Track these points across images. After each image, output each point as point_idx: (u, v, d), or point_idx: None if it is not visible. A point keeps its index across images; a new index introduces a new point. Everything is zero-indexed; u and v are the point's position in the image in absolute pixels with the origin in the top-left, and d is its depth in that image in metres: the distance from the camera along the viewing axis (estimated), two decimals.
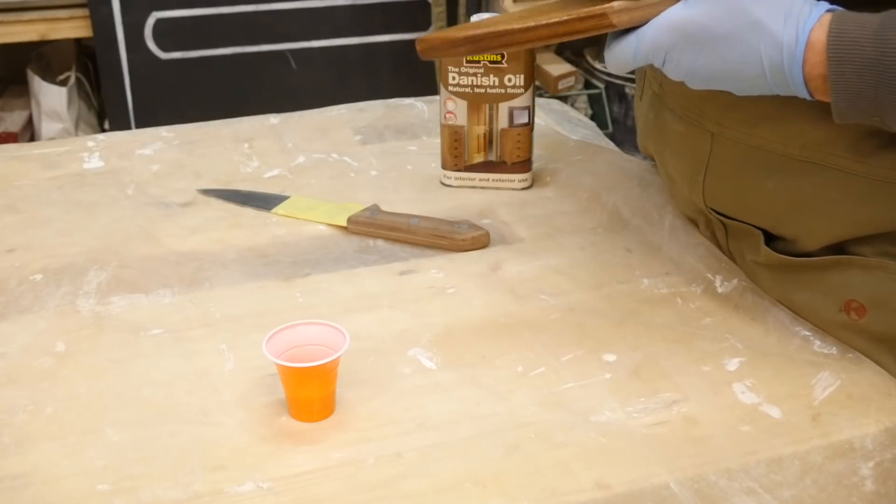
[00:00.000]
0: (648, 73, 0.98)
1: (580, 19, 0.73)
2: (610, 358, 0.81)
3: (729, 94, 0.81)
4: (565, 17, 0.74)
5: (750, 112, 0.81)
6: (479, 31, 0.77)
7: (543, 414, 0.74)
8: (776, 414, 0.74)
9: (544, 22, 0.75)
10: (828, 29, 0.67)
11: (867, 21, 0.66)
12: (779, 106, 0.78)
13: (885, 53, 0.65)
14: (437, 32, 0.80)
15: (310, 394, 0.73)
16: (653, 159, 1.05)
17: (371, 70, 2.44)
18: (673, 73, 0.73)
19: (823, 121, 0.76)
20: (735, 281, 0.89)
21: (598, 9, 0.72)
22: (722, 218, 0.90)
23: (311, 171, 1.16)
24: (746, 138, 0.83)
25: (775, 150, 0.81)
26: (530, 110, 1.09)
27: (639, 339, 0.83)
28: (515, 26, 0.75)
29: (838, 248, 0.81)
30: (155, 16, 2.25)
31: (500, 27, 0.76)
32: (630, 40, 0.73)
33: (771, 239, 0.86)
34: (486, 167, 1.11)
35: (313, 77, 2.40)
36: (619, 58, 0.74)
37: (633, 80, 1.85)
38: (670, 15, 0.71)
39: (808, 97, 0.70)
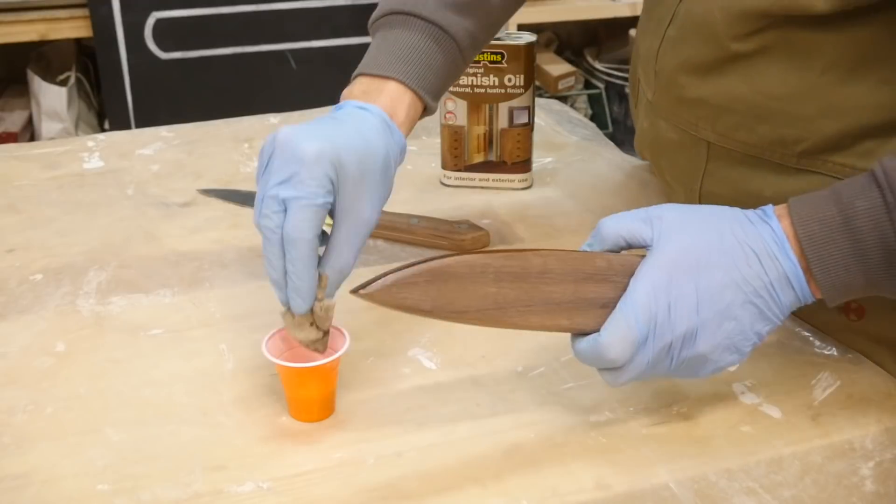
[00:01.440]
0: (642, 81, 0.98)
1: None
2: None
3: (723, 101, 0.80)
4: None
5: (746, 120, 0.81)
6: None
7: (543, 414, 0.74)
8: (776, 414, 0.74)
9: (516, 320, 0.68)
10: (794, 232, 0.66)
11: (826, 215, 0.65)
12: (775, 114, 0.78)
13: (861, 241, 0.64)
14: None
15: (310, 394, 0.73)
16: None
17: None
18: (685, 318, 0.65)
19: (820, 129, 0.76)
20: None
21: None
22: None
23: None
24: (743, 147, 0.83)
25: (772, 158, 0.81)
26: (530, 110, 1.09)
27: None
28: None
29: None
30: (155, 16, 2.25)
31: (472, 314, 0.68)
32: (619, 315, 0.65)
33: None
34: (486, 167, 1.11)
35: (313, 77, 2.40)
36: (623, 338, 0.65)
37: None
38: (647, 268, 0.66)
39: (809, 295, 0.67)
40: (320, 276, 0.72)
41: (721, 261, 0.66)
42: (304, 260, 0.70)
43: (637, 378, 0.67)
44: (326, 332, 0.73)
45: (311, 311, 0.72)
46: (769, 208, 0.68)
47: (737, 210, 0.69)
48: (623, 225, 0.68)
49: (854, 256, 0.65)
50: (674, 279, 0.65)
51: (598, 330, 0.66)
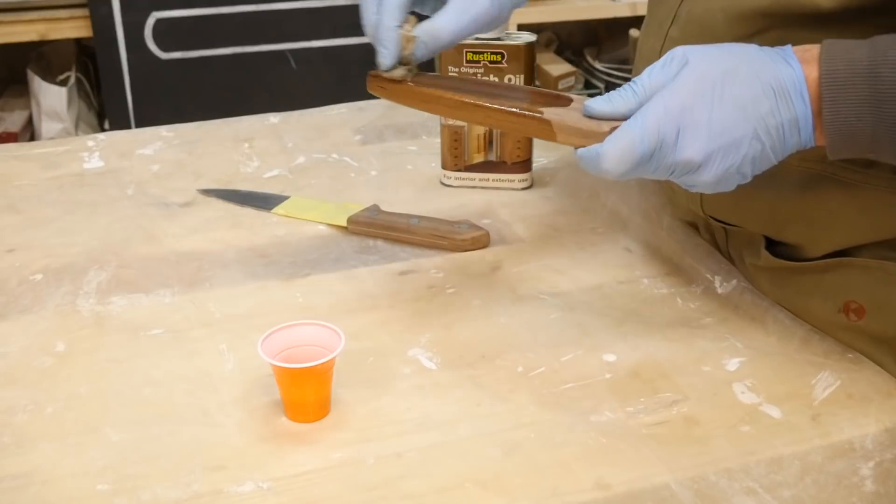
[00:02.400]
0: None
1: (524, 117, 0.73)
2: (610, 358, 0.81)
3: None
4: (514, 111, 0.73)
5: None
6: (434, 92, 0.77)
7: (543, 414, 0.74)
8: (776, 414, 0.74)
9: (496, 106, 0.74)
10: (818, 68, 0.66)
11: (856, 56, 0.65)
12: None
13: (880, 91, 0.64)
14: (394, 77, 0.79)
15: (305, 394, 0.73)
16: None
17: (371, 70, 2.43)
18: (690, 146, 0.66)
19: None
20: (735, 281, 0.89)
21: (541, 116, 0.72)
22: (722, 224, 0.90)
23: (311, 171, 1.16)
24: None
25: None
26: None
27: (639, 339, 0.83)
28: (467, 100, 0.75)
29: (838, 252, 0.81)
30: (155, 16, 2.24)
31: (454, 96, 0.76)
32: (626, 131, 0.67)
33: (771, 242, 0.86)
34: (486, 167, 1.11)
35: (313, 77, 2.39)
36: (622, 154, 0.67)
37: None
38: (664, 91, 0.67)
39: (811, 140, 0.68)
40: (408, 37, 0.75)
41: (737, 93, 0.66)
42: (390, 12, 0.73)
43: (631, 177, 0.69)
44: (414, 68, 0.76)
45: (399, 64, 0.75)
46: (789, 48, 0.68)
47: (755, 47, 0.69)
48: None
49: (869, 105, 0.64)
50: (687, 105, 0.66)
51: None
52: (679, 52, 0.69)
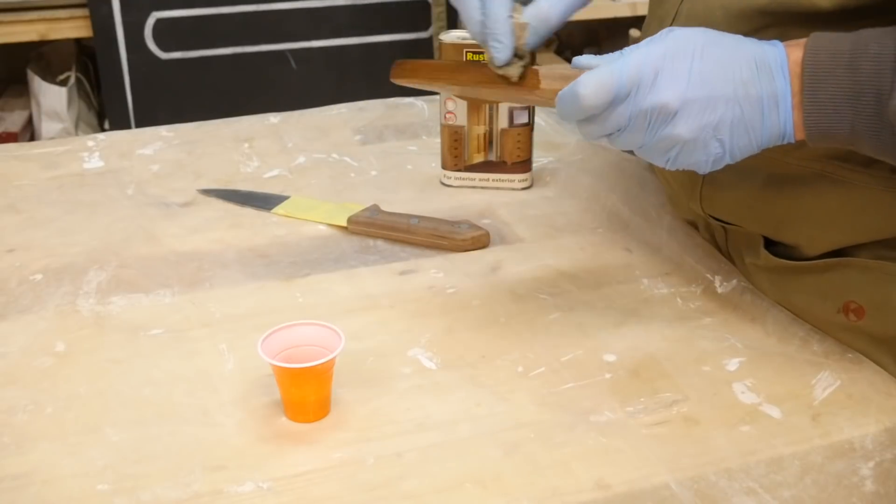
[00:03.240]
0: None
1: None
2: (610, 358, 0.81)
3: None
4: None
5: None
6: (445, 63, 0.79)
7: (543, 414, 0.74)
8: (776, 414, 0.74)
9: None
10: (802, 56, 0.67)
11: (839, 48, 0.66)
12: None
13: (859, 83, 0.65)
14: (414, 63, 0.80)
15: (305, 394, 0.73)
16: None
17: (371, 70, 2.43)
18: (667, 89, 0.67)
19: None
20: (734, 281, 0.89)
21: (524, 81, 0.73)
22: (721, 223, 0.90)
23: (311, 171, 1.16)
24: None
25: (773, 159, 0.81)
26: (530, 110, 1.09)
27: (639, 339, 0.83)
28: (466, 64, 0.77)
29: (837, 251, 0.81)
30: (155, 16, 2.24)
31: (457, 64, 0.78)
32: (605, 66, 0.67)
33: (770, 242, 0.86)
34: (486, 167, 1.11)
35: (313, 77, 2.39)
36: (599, 84, 0.67)
37: None
38: (648, 41, 0.69)
39: (790, 124, 0.68)
40: (520, 25, 0.74)
41: (719, 54, 0.67)
42: (500, 2, 0.72)
43: (614, 139, 0.69)
44: (528, 58, 0.74)
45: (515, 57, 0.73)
46: (777, 41, 0.69)
47: (741, 37, 0.70)
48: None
49: (848, 97, 0.65)
50: (669, 54, 0.67)
51: None
52: (667, 29, 0.70)
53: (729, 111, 0.67)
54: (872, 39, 0.65)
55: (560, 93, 0.69)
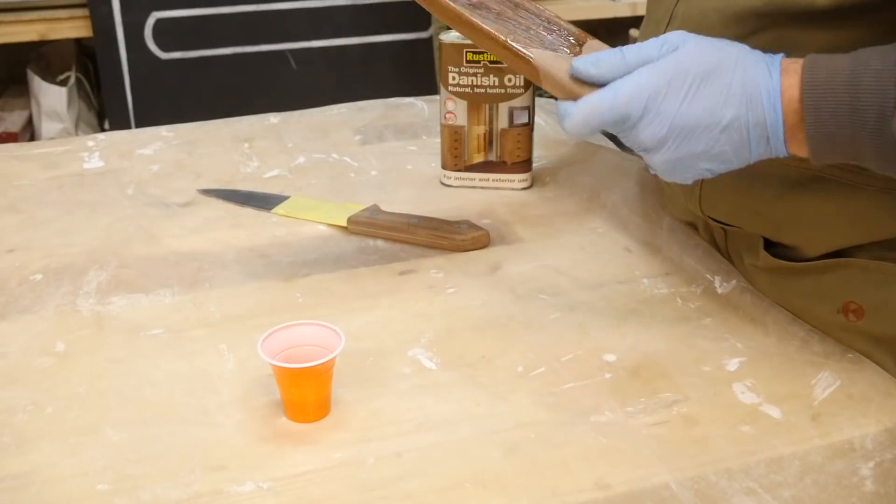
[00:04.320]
0: None
1: (510, 51, 0.75)
2: (610, 358, 0.81)
3: None
4: (501, 39, 0.76)
5: None
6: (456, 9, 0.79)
7: (543, 414, 0.74)
8: (776, 414, 0.74)
9: (493, 32, 0.76)
10: (800, 77, 0.67)
11: (838, 67, 0.66)
12: None
13: (859, 98, 0.65)
14: None
15: (305, 395, 0.73)
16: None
17: (371, 70, 2.43)
18: (648, 129, 0.69)
19: None
20: (734, 281, 0.89)
21: (530, 60, 0.74)
22: (720, 225, 0.90)
23: (311, 171, 1.16)
24: None
25: (773, 161, 0.81)
26: (530, 110, 1.09)
27: (639, 339, 0.83)
28: (476, 20, 0.77)
29: (836, 252, 0.81)
30: (155, 16, 2.25)
31: (469, 16, 0.78)
32: (597, 99, 0.70)
33: (770, 243, 0.86)
34: (486, 167, 1.11)
35: (313, 77, 2.39)
36: (587, 119, 0.70)
37: None
38: (644, 70, 0.70)
39: (782, 150, 0.69)
40: None
41: (709, 94, 0.68)
42: None
43: (590, 122, 0.70)
44: None
45: None
46: (778, 58, 0.69)
47: (746, 49, 0.70)
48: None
49: (849, 114, 0.65)
50: (661, 92, 0.68)
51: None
52: (675, 36, 0.71)
53: (710, 149, 0.69)
54: (872, 56, 0.66)
55: (558, 107, 0.73)
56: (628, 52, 0.71)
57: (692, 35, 0.71)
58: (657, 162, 0.71)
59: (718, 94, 0.68)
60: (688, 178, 0.72)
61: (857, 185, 0.77)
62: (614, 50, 0.72)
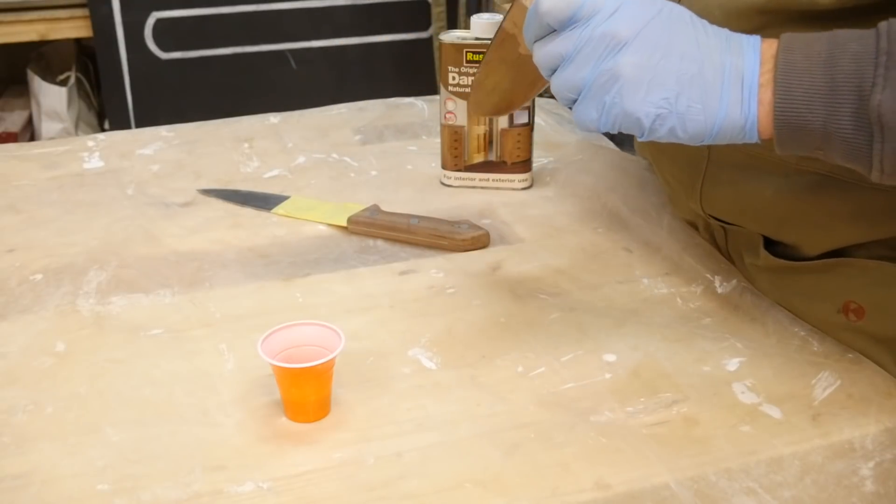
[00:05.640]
0: None
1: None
2: (610, 358, 0.81)
3: None
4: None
5: None
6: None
7: (543, 414, 0.74)
8: (776, 414, 0.74)
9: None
10: (776, 52, 0.65)
11: (815, 49, 0.64)
12: None
13: (836, 80, 0.63)
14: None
15: (305, 395, 0.73)
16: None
17: (371, 70, 2.44)
18: (623, 22, 0.64)
19: None
20: (734, 281, 0.89)
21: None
22: (721, 223, 0.90)
23: (311, 171, 1.16)
24: (744, 147, 0.83)
25: (773, 158, 0.81)
26: (530, 110, 1.09)
27: (639, 339, 0.83)
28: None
29: (837, 251, 0.81)
30: (155, 16, 2.25)
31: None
32: None
33: (770, 242, 0.86)
34: (486, 167, 1.11)
35: (313, 77, 2.40)
36: (559, 2, 0.65)
37: None
38: None
39: (753, 102, 0.65)
40: None
41: (689, 19, 0.65)
42: None
43: (559, 77, 0.66)
44: None
45: None
46: (756, 38, 0.66)
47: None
48: None
49: (823, 96, 0.63)
50: (637, 2, 0.65)
51: None
52: None
53: (686, 65, 0.64)
54: (851, 39, 0.64)
55: (529, 7, 0.68)
56: None
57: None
58: (625, 65, 0.64)
59: (698, 23, 0.66)
60: (641, 113, 0.65)
61: (858, 184, 0.77)
62: None
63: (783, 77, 0.64)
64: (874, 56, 0.62)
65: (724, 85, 0.65)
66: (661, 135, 0.66)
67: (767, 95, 0.64)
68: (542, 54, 0.68)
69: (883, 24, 0.63)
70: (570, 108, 0.69)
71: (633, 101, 0.64)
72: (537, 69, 0.70)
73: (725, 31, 0.66)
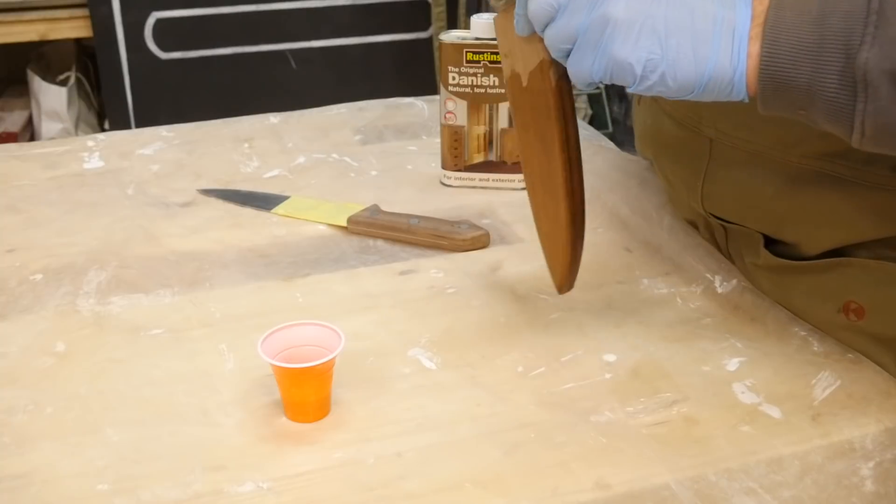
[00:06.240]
0: None
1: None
2: (610, 358, 0.81)
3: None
4: None
5: (748, 118, 0.81)
6: None
7: (543, 414, 0.74)
8: (776, 414, 0.74)
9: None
10: (766, 13, 0.64)
11: (806, 7, 0.63)
12: None
13: (824, 38, 0.62)
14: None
15: (305, 395, 0.73)
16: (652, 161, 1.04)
17: (371, 70, 2.44)
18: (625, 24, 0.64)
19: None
20: (734, 281, 0.89)
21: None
22: (721, 222, 0.90)
23: (311, 171, 1.16)
24: (745, 144, 0.83)
25: (774, 156, 0.81)
26: None
27: (639, 339, 0.83)
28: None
29: (837, 251, 0.81)
30: (155, 16, 2.25)
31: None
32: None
33: (770, 241, 0.86)
34: (486, 167, 1.11)
35: (313, 77, 2.40)
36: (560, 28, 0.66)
37: None
38: None
39: (743, 87, 0.65)
40: None
41: None
42: None
43: (555, 26, 0.67)
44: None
45: None
46: None
47: None
48: None
49: (811, 52, 0.62)
50: None
51: None
52: None
53: (677, 12, 0.64)
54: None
55: None
56: None
57: None
58: (617, 8, 0.64)
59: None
60: (632, 59, 0.64)
61: (859, 182, 0.77)
62: None
63: (771, 32, 0.63)
64: (864, 16, 0.61)
65: (715, 34, 0.64)
66: (652, 82, 0.65)
67: (756, 48, 0.64)
68: (536, 7, 0.67)
69: None
70: (566, 62, 0.69)
71: (624, 47, 0.65)
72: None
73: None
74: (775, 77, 0.64)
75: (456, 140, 1.11)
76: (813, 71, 0.63)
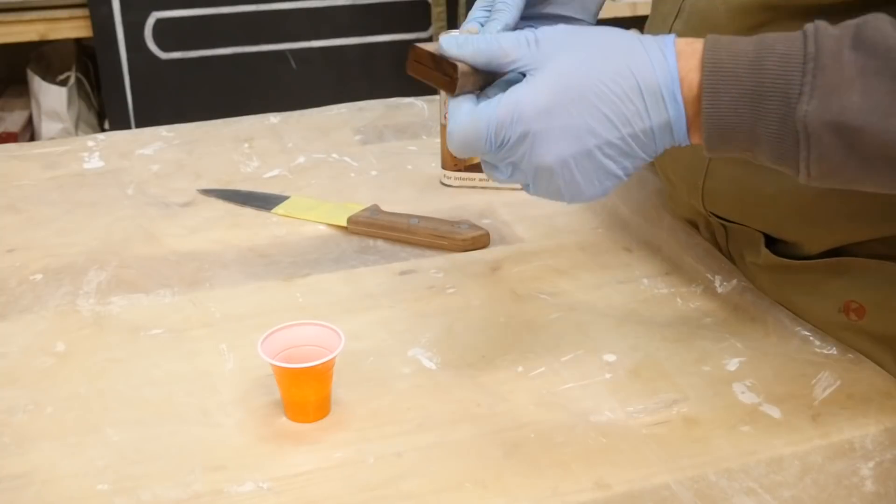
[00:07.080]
0: None
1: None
2: (610, 358, 0.81)
3: None
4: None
5: None
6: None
7: (543, 414, 0.74)
8: (776, 414, 0.74)
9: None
10: (700, 60, 0.64)
11: (741, 49, 0.63)
12: None
13: (762, 83, 0.62)
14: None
15: (305, 394, 0.73)
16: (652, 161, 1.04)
17: (371, 70, 2.43)
18: (544, 153, 0.65)
19: None
20: (735, 281, 0.89)
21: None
22: (722, 221, 0.90)
23: (311, 171, 1.16)
24: None
25: None
26: None
27: (639, 339, 0.83)
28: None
29: (837, 250, 0.81)
30: (155, 16, 2.24)
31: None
32: (474, 121, 0.68)
33: (771, 241, 0.86)
34: None
35: (313, 77, 2.40)
36: (462, 146, 0.69)
37: None
38: (520, 88, 0.65)
39: (685, 139, 0.65)
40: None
41: (602, 91, 0.64)
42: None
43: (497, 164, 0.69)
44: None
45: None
46: (671, 38, 0.65)
47: (633, 36, 0.66)
48: (497, 41, 0.67)
49: (751, 98, 0.62)
50: (545, 107, 0.64)
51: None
52: (544, 49, 0.66)
53: (614, 150, 0.65)
54: (778, 41, 0.63)
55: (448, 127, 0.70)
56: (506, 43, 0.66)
57: (559, 32, 0.66)
58: (548, 159, 0.65)
59: (611, 93, 0.64)
60: (599, 185, 0.68)
61: None
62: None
63: (709, 84, 0.63)
64: (801, 62, 0.61)
65: (657, 141, 0.65)
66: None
67: (693, 91, 0.64)
68: (456, 150, 0.71)
69: (810, 27, 0.63)
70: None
71: (588, 186, 0.68)
72: None
73: (637, 82, 0.64)
74: (719, 125, 0.64)
75: None
76: (755, 119, 0.63)
